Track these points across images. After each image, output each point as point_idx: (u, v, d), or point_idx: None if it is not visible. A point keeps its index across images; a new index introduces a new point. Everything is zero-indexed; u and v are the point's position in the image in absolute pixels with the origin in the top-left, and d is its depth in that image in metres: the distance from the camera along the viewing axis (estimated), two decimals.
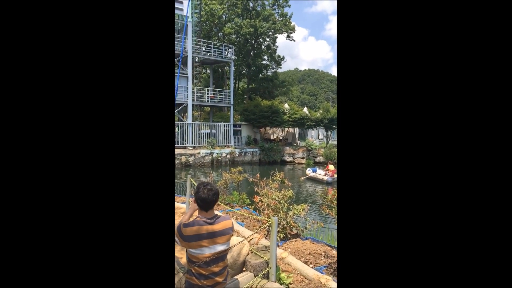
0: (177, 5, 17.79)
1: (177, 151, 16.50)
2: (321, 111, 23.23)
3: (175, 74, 16.46)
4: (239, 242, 2.17)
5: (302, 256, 3.21)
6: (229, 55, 22.51)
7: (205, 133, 19.42)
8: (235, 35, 28.24)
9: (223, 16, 28.62)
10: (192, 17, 16.10)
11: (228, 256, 2.47)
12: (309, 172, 14.48)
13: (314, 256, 3.20)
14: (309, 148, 21.19)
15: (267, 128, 23.02)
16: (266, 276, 2.59)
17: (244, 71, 30.74)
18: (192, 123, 18.55)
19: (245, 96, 30.58)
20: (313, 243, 3.63)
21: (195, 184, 4.36)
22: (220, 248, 1.83)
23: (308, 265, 3.01)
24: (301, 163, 19.98)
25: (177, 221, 4.38)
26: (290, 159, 20.76)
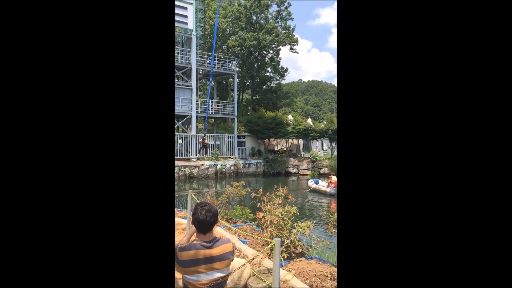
0: (181, 19, 18.15)
1: (181, 163, 16.45)
2: (325, 122, 23.15)
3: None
4: (240, 267, 2.04)
5: (307, 278, 3.05)
6: (233, 67, 22.73)
7: (209, 144, 19.43)
8: (239, 48, 28.60)
9: (227, 29, 29.08)
10: (196, 30, 16.39)
11: (229, 280, 2.32)
12: (311, 183, 14.31)
13: (320, 279, 3.03)
14: (314, 159, 21.00)
15: (271, 139, 22.96)
16: None
17: (248, 83, 30.96)
18: (196, 135, 18.57)
19: (249, 108, 30.70)
20: (319, 263, 3.46)
21: (197, 200, 4.24)
22: (218, 274, 1.70)
23: None
24: (306, 175, 19.77)
25: (177, 237, 4.27)
26: (295, 170, 20.57)
